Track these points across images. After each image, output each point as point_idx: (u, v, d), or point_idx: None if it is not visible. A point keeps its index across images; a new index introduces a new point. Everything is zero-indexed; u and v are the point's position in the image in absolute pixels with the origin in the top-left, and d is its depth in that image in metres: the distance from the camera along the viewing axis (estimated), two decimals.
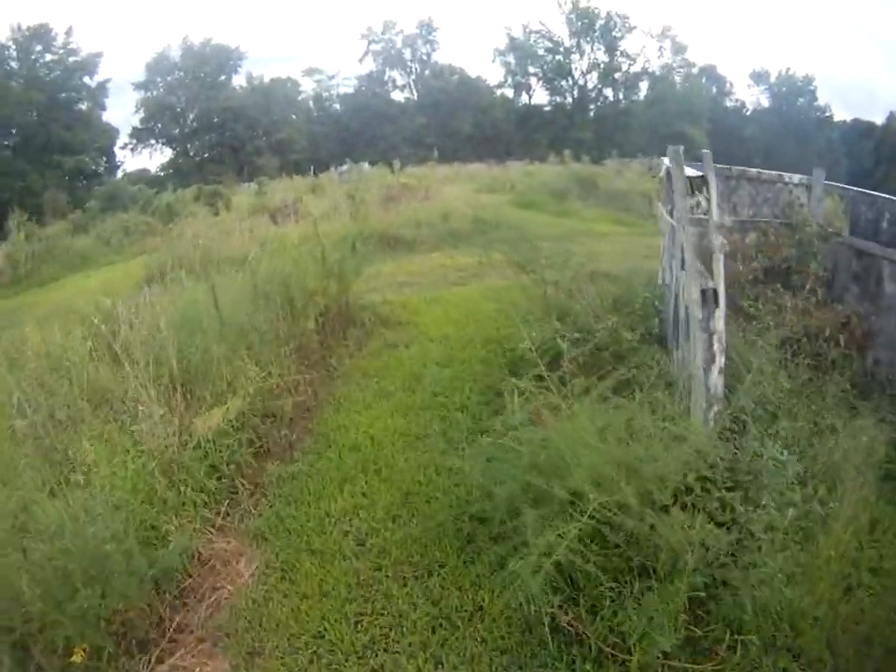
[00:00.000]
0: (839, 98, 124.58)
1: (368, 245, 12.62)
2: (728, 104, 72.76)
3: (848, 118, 70.62)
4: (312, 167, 42.28)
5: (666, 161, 7.29)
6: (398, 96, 69.50)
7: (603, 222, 18.95)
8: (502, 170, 32.38)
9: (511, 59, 68.38)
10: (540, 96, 69.94)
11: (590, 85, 68.72)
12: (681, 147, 5.58)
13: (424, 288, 10.96)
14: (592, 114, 67.67)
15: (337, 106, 68.83)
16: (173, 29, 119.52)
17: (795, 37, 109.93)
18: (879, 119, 68.55)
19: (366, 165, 38.73)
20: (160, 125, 60.50)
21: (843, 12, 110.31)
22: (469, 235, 14.32)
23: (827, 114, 69.48)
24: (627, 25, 67.08)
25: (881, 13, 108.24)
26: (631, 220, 19.41)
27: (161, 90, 60.58)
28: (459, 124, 62.94)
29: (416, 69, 69.14)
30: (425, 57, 69.15)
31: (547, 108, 68.78)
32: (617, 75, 67.85)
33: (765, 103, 71.31)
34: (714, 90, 71.10)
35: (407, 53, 68.80)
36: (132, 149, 59.94)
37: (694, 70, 69.19)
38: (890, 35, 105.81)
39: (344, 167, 38.01)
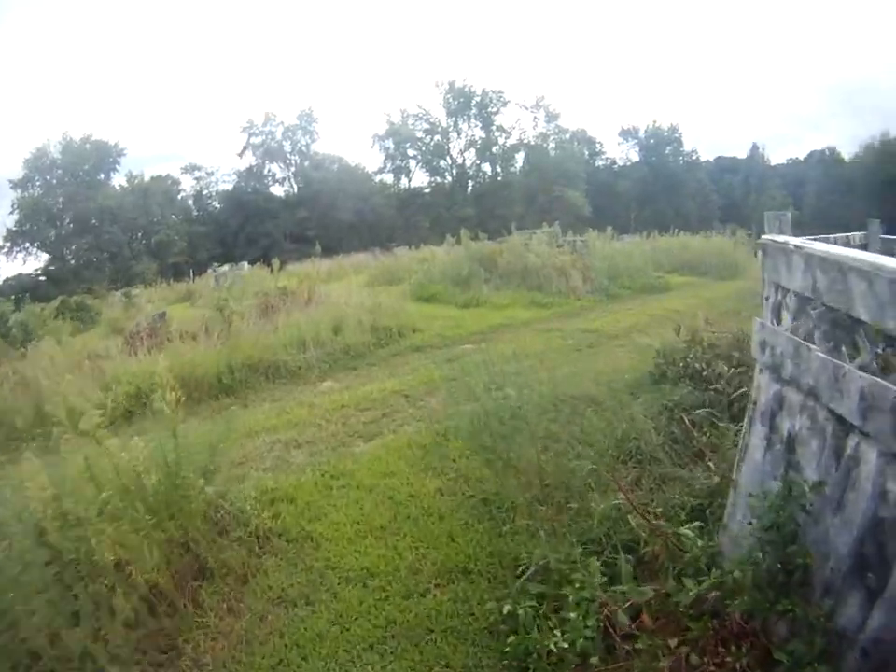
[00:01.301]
0: (707, 140, 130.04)
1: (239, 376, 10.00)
2: (599, 163, 75.22)
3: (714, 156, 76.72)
4: (191, 270, 38.67)
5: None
6: (277, 190, 66.82)
7: (519, 307, 16.30)
8: (392, 259, 29.54)
9: (389, 143, 66.99)
10: (420, 178, 68.84)
11: (468, 162, 68.38)
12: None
13: (319, 449, 7.20)
14: (471, 191, 66.99)
15: (217, 204, 65.47)
16: (53, 123, 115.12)
17: (660, 91, 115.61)
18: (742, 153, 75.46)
19: (245, 265, 35.47)
20: (35, 227, 55.45)
21: (702, 59, 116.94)
22: (369, 351, 11.68)
23: (694, 157, 73.59)
24: (502, 100, 67.40)
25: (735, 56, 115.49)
26: (549, 300, 16.89)
27: (39, 189, 56.21)
28: (340, 214, 60.18)
29: (296, 161, 66.56)
30: (304, 148, 66.79)
31: (427, 190, 67.75)
32: (494, 149, 67.56)
33: (635, 157, 74.31)
34: (586, 151, 72.79)
35: (287, 145, 66.33)
36: (6, 253, 55.03)
37: (567, 136, 69.90)
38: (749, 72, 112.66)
39: (224, 268, 34.54)
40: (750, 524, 3.12)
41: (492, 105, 66.86)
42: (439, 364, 10.44)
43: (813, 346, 3.01)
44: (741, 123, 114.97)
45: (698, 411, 6.12)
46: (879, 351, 2.61)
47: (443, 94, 67.00)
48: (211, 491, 5.03)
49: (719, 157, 76.76)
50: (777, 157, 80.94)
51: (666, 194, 67.78)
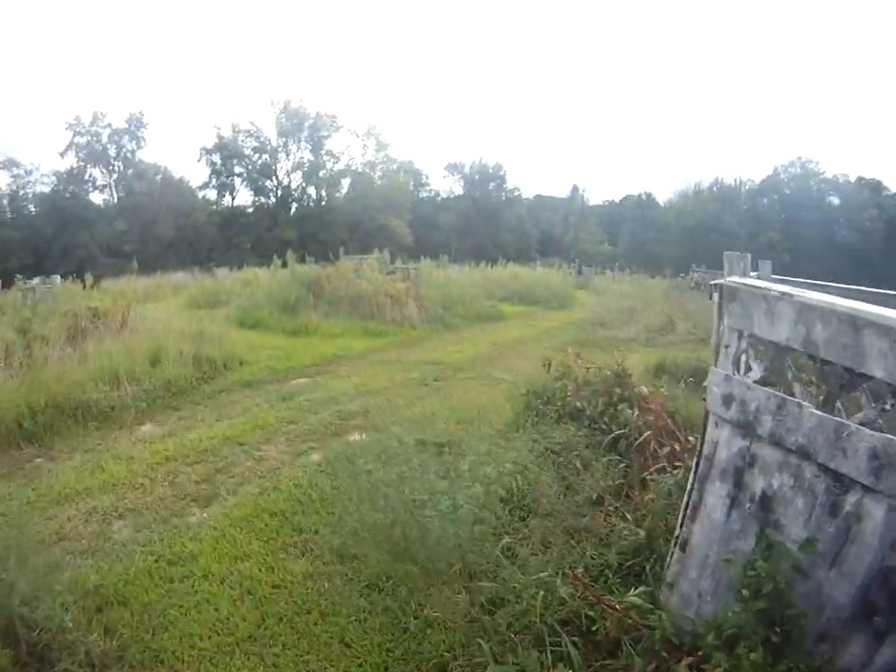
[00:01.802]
0: (528, 179, 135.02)
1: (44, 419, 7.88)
2: (424, 194, 76.45)
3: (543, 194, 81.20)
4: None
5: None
6: (97, 198, 61.23)
7: (352, 336, 15.44)
8: (212, 280, 27.68)
9: (216, 158, 63.90)
10: (244, 197, 66.35)
11: (294, 184, 66.39)
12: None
13: (146, 521, 5.42)
14: (294, 213, 65.19)
15: (33, 208, 57.80)
16: None
17: (487, 130, 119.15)
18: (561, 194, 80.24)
19: (58, 279, 32.24)
20: None
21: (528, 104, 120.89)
22: (192, 386, 10.28)
23: (516, 193, 76.61)
24: (335, 125, 66.41)
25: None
26: (383, 329, 16.24)
27: None
28: (161, 229, 56.27)
29: (119, 167, 61.25)
30: (129, 154, 61.36)
31: (250, 210, 65.30)
32: (321, 173, 66.12)
33: (459, 190, 75.89)
34: (412, 182, 73.41)
35: (112, 149, 60.67)
36: None
37: (394, 166, 69.90)
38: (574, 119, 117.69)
39: (34, 282, 31.18)
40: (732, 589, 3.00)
41: (324, 129, 65.78)
42: (272, 403, 9.46)
43: (805, 403, 2.83)
44: (561, 166, 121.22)
45: (584, 452, 5.87)
46: (887, 407, 2.57)
47: (277, 114, 65.33)
48: (16, 603, 3.46)
49: (538, 195, 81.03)
50: (595, 198, 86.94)
51: (487, 227, 69.50)
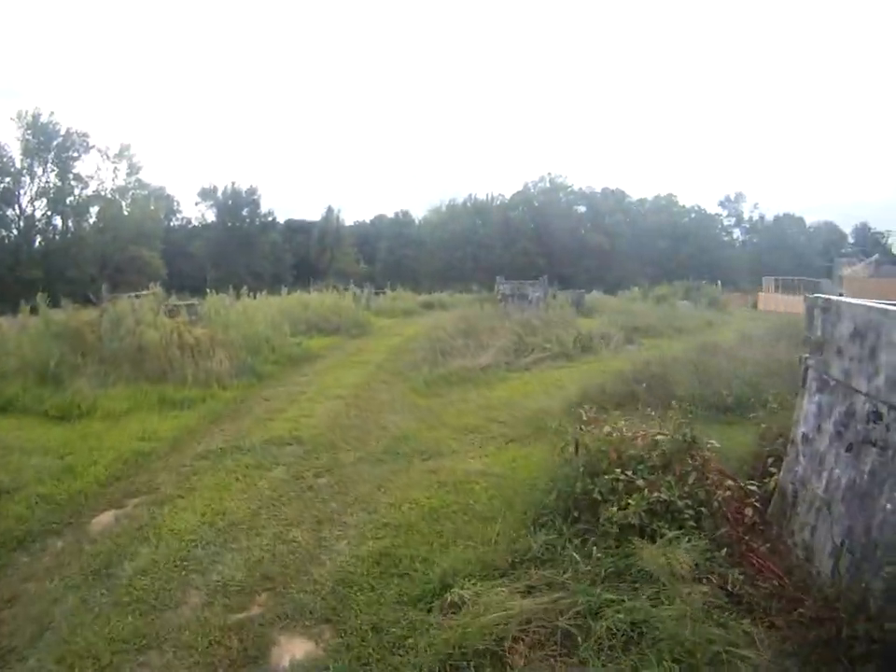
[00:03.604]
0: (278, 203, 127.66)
1: None
2: (175, 222, 70.81)
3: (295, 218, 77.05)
4: None
5: None
6: None
7: (145, 411, 10.61)
8: None
9: None
10: None
11: (38, 214, 55.82)
12: None
13: None
14: (38, 248, 54.99)
15: None
16: None
17: (239, 153, 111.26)
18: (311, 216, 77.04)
19: None
20: None
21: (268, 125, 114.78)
22: None
23: (270, 218, 73.03)
24: (86, 144, 57.19)
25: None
26: (185, 394, 11.56)
27: None
28: None
29: None
30: None
31: None
32: (69, 199, 56.39)
33: (212, 217, 71.00)
34: (162, 210, 66.42)
35: None
36: None
37: (146, 192, 62.19)
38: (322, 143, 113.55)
39: None
40: None
41: (73, 149, 56.35)
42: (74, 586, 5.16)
43: None
44: (312, 189, 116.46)
45: None
46: None
47: (24, 129, 54.14)
48: None
49: (289, 219, 77.09)
50: (349, 219, 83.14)
51: (241, 254, 65.55)
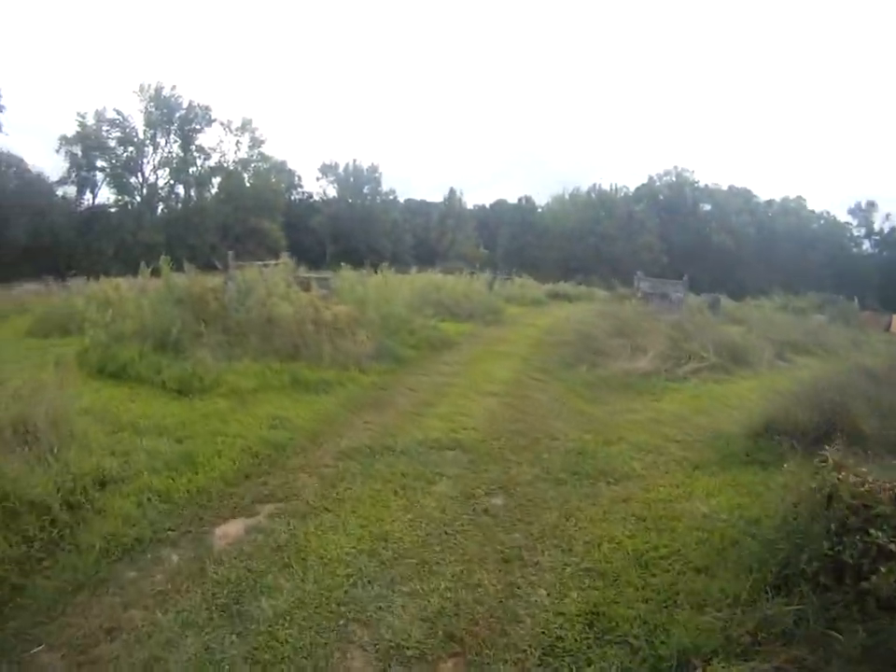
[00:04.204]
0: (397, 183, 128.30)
1: None
2: (295, 196, 69.87)
3: (418, 197, 78.63)
4: None
5: None
6: None
7: (275, 392, 9.45)
8: (65, 296, 19.50)
9: (77, 150, 51.75)
10: (105, 195, 55.09)
11: (161, 182, 56.58)
12: None
13: None
14: (161, 215, 55.73)
15: None
16: None
17: (361, 131, 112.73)
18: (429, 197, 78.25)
19: None
20: None
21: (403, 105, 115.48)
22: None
23: (391, 197, 71.78)
24: (208, 118, 57.15)
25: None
26: (321, 376, 10.30)
27: None
28: (13, 233, 44.13)
29: None
30: None
31: (113, 210, 53.85)
32: (192, 170, 57.08)
33: (333, 192, 70.10)
34: (284, 184, 66.02)
35: None
36: None
37: (267, 165, 62.11)
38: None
39: None
40: None
41: (196, 122, 56.61)
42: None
43: None
44: (428, 171, 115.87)
45: None
46: None
47: (146, 101, 54.74)
48: None
49: (408, 199, 76.86)
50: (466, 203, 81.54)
51: (362, 231, 64.56)
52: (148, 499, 5.50)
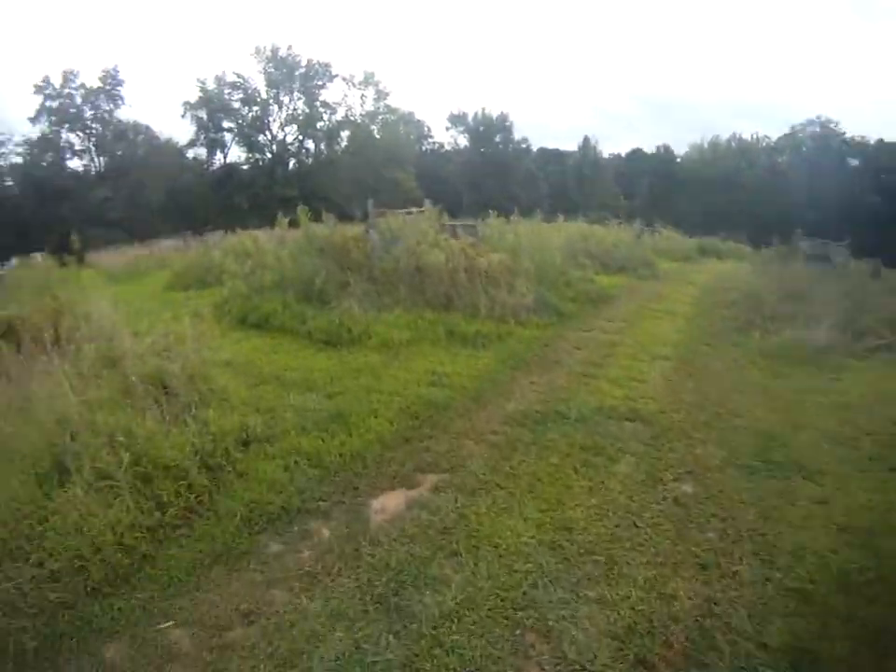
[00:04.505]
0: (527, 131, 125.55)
1: None
2: (426, 147, 69.55)
3: (550, 146, 73.95)
4: None
5: None
6: (77, 164, 51.26)
7: (428, 344, 8.91)
8: (203, 250, 19.50)
9: (202, 114, 54.21)
10: (236, 154, 57.40)
11: (289, 138, 57.89)
12: None
13: None
14: (293, 169, 56.95)
15: (10, 182, 47.93)
16: None
17: (490, 79, 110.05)
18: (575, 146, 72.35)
19: (38, 257, 26.65)
20: None
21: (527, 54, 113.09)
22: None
23: (524, 146, 68.84)
24: (329, 73, 57.37)
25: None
26: (476, 329, 9.62)
27: None
28: (149, 193, 47.39)
29: (98, 130, 51.12)
30: (107, 115, 51.23)
31: (245, 167, 56.30)
32: (319, 125, 57.68)
33: (464, 142, 68.54)
34: (413, 135, 66.36)
35: (88, 111, 50.47)
36: None
37: (394, 117, 62.17)
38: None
39: (10, 263, 25.36)
40: None
41: (317, 78, 57.01)
42: None
43: None
44: (560, 118, 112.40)
45: None
46: None
47: (264, 63, 55.99)
48: None
49: (542, 147, 73.58)
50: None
51: (496, 180, 61.95)
52: (296, 463, 5.03)
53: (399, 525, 4.23)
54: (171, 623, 3.40)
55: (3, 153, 48.23)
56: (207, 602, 3.54)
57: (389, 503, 4.52)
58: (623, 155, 76.25)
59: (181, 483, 4.40)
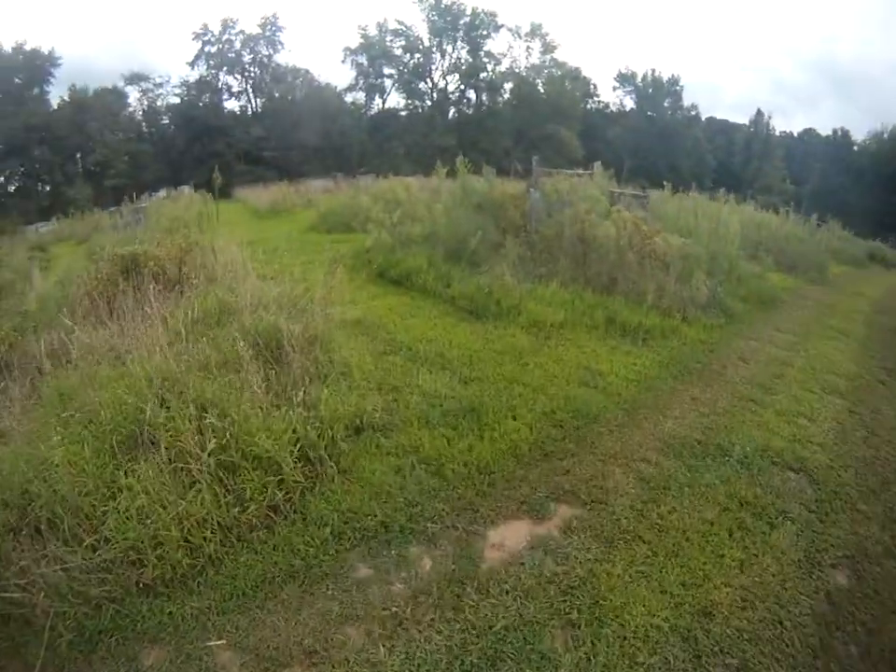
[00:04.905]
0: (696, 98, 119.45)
1: None
2: (591, 105, 66.38)
3: (718, 116, 70.13)
4: (133, 195, 29.18)
5: None
6: (233, 105, 54.09)
7: (583, 331, 8.12)
8: (352, 191, 19.69)
9: (363, 59, 55.00)
10: (395, 100, 57.73)
11: (451, 87, 57.18)
12: None
13: None
14: (452, 119, 56.35)
15: (167, 120, 52.29)
16: None
17: (663, 40, 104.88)
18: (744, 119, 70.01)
19: (186, 189, 28.32)
20: None
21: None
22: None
23: (693, 113, 65.42)
24: (495, 23, 56.26)
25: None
26: (640, 321, 8.55)
27: None
28: (303, 135, 48.41)
29: (256, 73, 53.83)
30: (265, 60, 53.82)
31: (403, 114, 56.46)
32: (482, 75, 56.67)
33: (630, 104, 65.61)
34: (578, 92, 63.14)
35: (246, 56, 53.20)
36: None
37: (560, 72, 59.70)
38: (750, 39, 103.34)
39: (160, 194, 27.61)
40: None
41: (482, 27, 56.10)
42: None
43: None
44: (730, 87, 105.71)
45: None
46: None
47: (427, 11, 55.82)
48: None
49: (710, 117, 69.65)
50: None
51: (660, 146, 59.50)
52: (412, 466, 4.34)
53: (516, 573, 3.57)
54: (222, 641, 3.09)
55: (161, 94, 51.57)
56: (269, 626, 3.18)
57: (510, 537, 3.84)
58: (795, 134, 71.01)
59: (271, 477, 3.83)
